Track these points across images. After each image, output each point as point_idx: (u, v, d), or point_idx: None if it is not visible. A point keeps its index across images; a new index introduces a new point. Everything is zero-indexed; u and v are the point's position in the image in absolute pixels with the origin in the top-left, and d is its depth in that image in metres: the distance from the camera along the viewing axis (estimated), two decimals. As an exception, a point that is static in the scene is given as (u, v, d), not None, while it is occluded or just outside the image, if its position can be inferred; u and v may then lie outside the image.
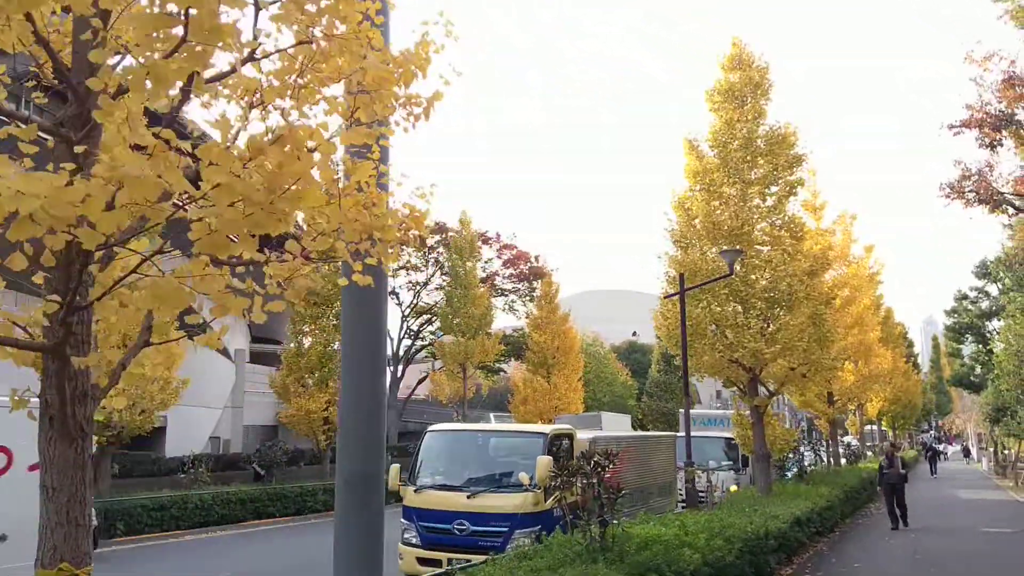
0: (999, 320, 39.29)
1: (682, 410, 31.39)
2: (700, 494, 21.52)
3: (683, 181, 17.85)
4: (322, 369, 24.74)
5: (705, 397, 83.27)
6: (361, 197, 4.09)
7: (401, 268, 45.99)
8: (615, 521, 8.38)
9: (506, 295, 47.03)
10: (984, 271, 44.33)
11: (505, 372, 53.61)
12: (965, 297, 50.19)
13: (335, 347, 25.51)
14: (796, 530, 13.61)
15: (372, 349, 6.10)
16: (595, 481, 8.42)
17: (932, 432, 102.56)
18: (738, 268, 16.86)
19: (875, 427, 57.11)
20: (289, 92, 3.73)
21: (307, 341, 25.51)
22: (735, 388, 17.82)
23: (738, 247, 16.66)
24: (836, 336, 16.53)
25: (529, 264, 45.71)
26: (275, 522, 22.02)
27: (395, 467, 11.79)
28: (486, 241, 45.08)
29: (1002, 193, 19.46)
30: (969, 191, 20.55)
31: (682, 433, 17.04)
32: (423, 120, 4.48)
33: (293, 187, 2.92)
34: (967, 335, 50.79)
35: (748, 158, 17.21)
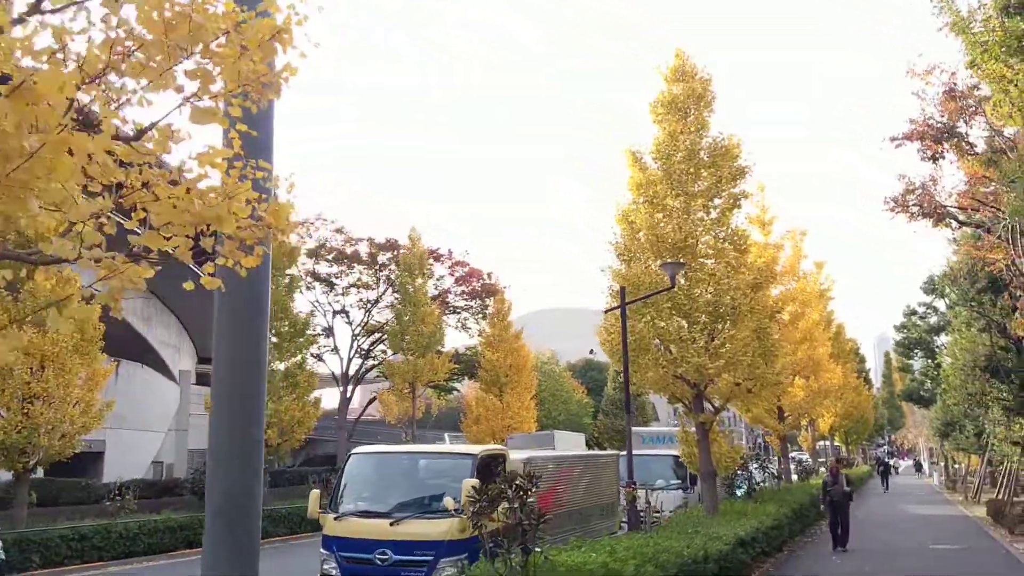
0: (946, 335, 39.58)
1: (637, 427, 31.13)
2: (644, 514, 21.10)
3: (627, 194, 17.48)
4: (260, 389, 23.86)
5: (663, 414, 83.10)
6: (193, 182, 3.50)
7: (352, 286, 45.24)
8: (537, 549, 7.80)
9: (458, 313, 46.39)
10: (932, 287, 44.70)
11: (459, 391, 52.88)
12: (914, 312, 50.65)
13: (278, 365, 24.67)
14: (740, 551, 13.13)
15: (249, 366, 5.48)
16: (517, 506, 7.85)
17: (886, 447, 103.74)
18: (682, 281, 16.48)
19: (828, 443, 57.29)
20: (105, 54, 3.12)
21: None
22: (680, 404, 17.38)
23: (681, 260, 16.31)
24: (781, 350, 16.19)
25: (481, 281, 45.16)
26: (209, 550, 21.04)
27: (314, 493, 11.10)
28: (437, 258, 44.45)
29: (945, 207, 19.39)
30: (913, 205, 20.48)
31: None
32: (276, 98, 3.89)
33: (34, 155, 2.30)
34: (916, 350, 51.22)
35: (691, 170, 16.88)
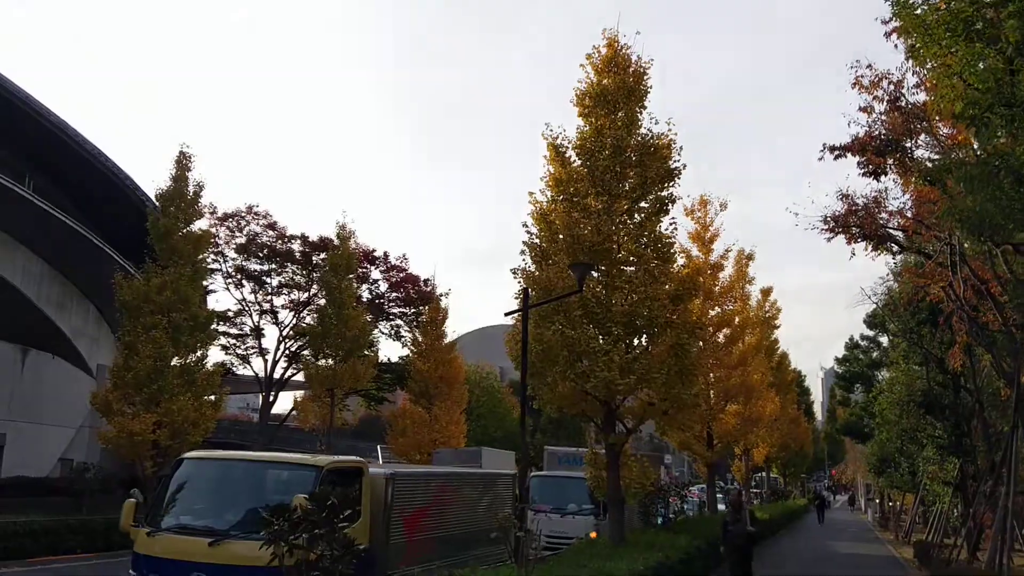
0: (886, 370, 38.87)
1: (553, 447, 29.53)
2: (553, 540, 19.53)
3: (546, 191, 16.08)
4: (152, 386, 21.87)
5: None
6: None
7: (284, 286, 43.25)
8: (346, 588, 6.24)
9: (391, 319, 44.61)
10: (874, 321, 44.17)
11: (391, 401, 51.01)
12: (856, 346, 50.18)
13: (174, 362, 22.73)
14: (635, 590, 11.67)
15: None
16: (325, 532, 6.28)
17: (825, 481, 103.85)
18: (598, 289, 15.09)
19: (765, 474, 56.50)
20: None
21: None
22: (592, 424, 15.94)
23: (599, 264, 14.93)
24: (700, 369, 14.82)
25: (417, 288, 43.42)
26: (75, 558, 19.05)
27: (129, 503, 9.42)
28: (372, 261, 42.70)
29: (886, 227, 18.30)
30: (854, 226, 19.36)
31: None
32: None
33: None
34: (857, 384, 50.72)
35: (617, 169, 15.53)
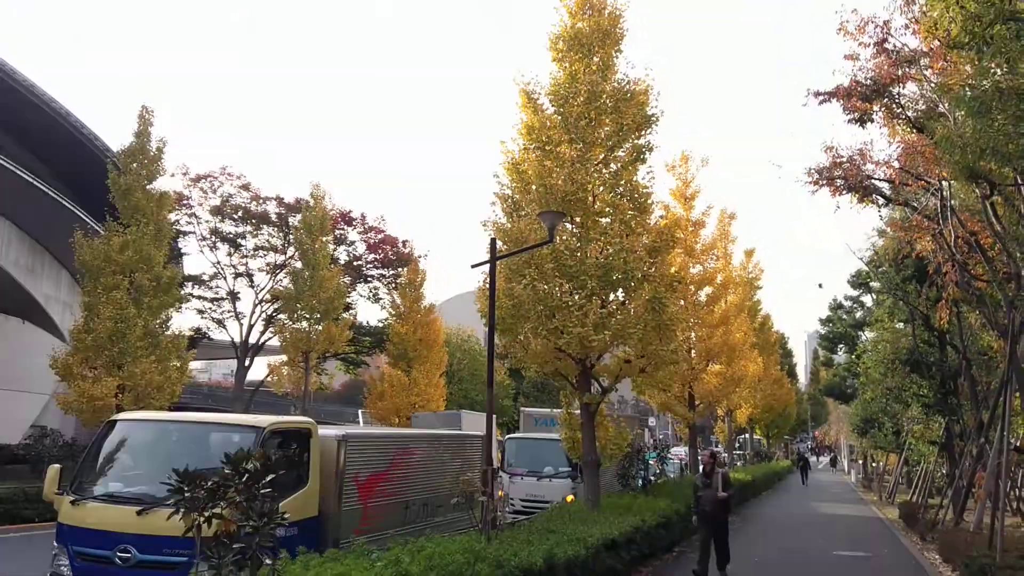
0: (870, 331, 38.40)
1: (529, 408, 28.86)
2: (529, 504, 18.98)
3: (518, 139, 15.23)
4: (112, 349, 21.00)
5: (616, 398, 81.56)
6: None
7: (260, 248, 42.28)
8: (268, 561, 5.51)
9: (370, 282, 43.72)
10: (859, 281, 43.68)
11: (368, 365, 50.32)
12: (840, 307, 49.71)
13: (140, 324, 21.81)
14: (608, 556, 11.07)
15: None
16: (247, 500, 5.54)
17: (808, 443, 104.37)
18: (573, 241, 14.32)
19: (748, 436, 56.33)
20: None
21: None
22: (566, 383, 15.26)
23: (574, 216, 14.15)
24: (679, 325, 14.09)
25: (395, 249, 42.51)
26: (32, 527, 18.22)
27: (53, 469, 8.66)
28: (349, 222, 41.72)
29: (872, 177, 17.54)
30: (838, 178, 18.62)
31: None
32: None
33: None
34: (840, 344, 50.33)
35: (591, 115, 14.68)
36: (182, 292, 27.47)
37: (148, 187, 23.12)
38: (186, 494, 5.47)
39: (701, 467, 15.25)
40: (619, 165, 14.81)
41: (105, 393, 20.90)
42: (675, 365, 14.36)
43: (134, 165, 22.84)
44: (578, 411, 14.90)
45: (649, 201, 14.87)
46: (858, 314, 47.43)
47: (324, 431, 9.38)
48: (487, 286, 14.43)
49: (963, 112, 8.45)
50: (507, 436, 20.87)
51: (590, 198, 14.56)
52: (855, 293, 47.07)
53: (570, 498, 17.65)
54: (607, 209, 14.57)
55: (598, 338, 13.13)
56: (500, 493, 20.29)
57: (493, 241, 12.57)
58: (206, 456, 8.25)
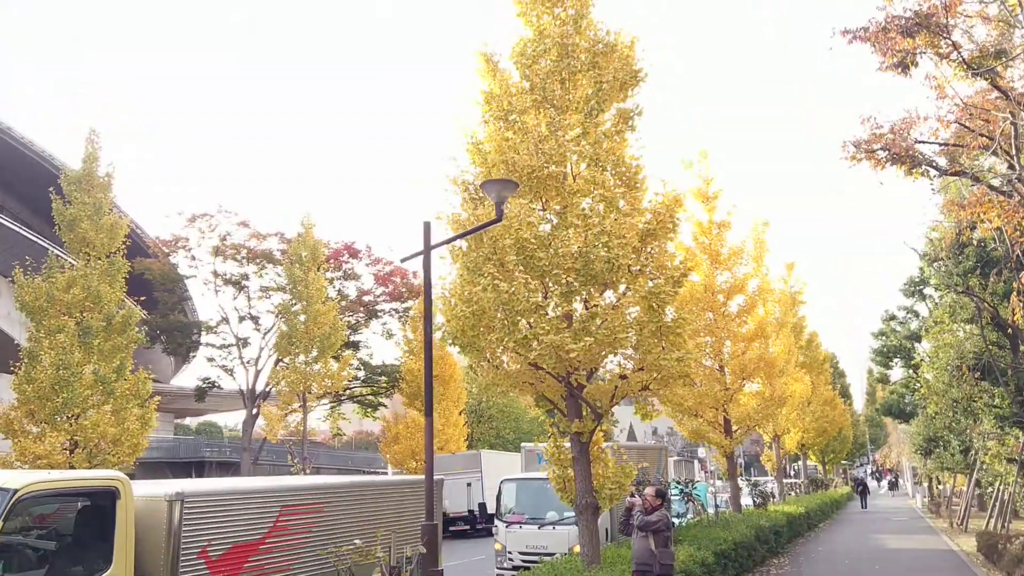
0: (927, 341, 34.70)
1: (528, 444, 25.61)
2: (529, 557, 15.95)
3: (477, 112, 12.48)
4: (56, 399, 18.50)
5: (640, 432, 77.44)
6: None
7: (265, 289, 40.04)
8: None
9: (380, 317, 41.12)
10: (912, 288, 40.07)
11: (387, 407, 47.61)
12: (893, 318, 45.78)
13: (87, 369, 19.32)
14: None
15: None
16: None
17: (868, 466, 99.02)
18: (544, 228, 11.44)
19: (801, 463, 52.17)
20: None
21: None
22: (554, 409, 12.28)
23: (543, 196, 11.29)
24: (687, 327, 11.04)
25: (405, 280, 39.92)
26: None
27: None
28: (354, 254, 39.26)
29: (920, 143, 14.43)
30: (880, 149, 15.55)
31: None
32: None
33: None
34: (895, 358, 46.33)
35: (563, 74, 11.89)
36: (192, 339, 24.98)
37: (96, 217, 20.69)
38: None
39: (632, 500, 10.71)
40: (602, 133, 11.91)
41: (49, 451, 18.33)
42: (684, 376, 11.26)
43: (79, 194, 20.53)
44: (568, 445, 11.91)
45: (641, 175, 11.93)
46: (913, 324, 43.59)
47: (145, 490, 6.51)
48: (451, 291, 11.66)
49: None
50: (502, 479, 17.84)
51: (569, 177, 11.70)
52: (908, 302, 43.41)
53: (576, 548, 14.55)
54: (590, 188, 11.66)
55: (578, 347, 10.16)
56: (497, 545, 17.28)
57: (427, 225, 9.74)
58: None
